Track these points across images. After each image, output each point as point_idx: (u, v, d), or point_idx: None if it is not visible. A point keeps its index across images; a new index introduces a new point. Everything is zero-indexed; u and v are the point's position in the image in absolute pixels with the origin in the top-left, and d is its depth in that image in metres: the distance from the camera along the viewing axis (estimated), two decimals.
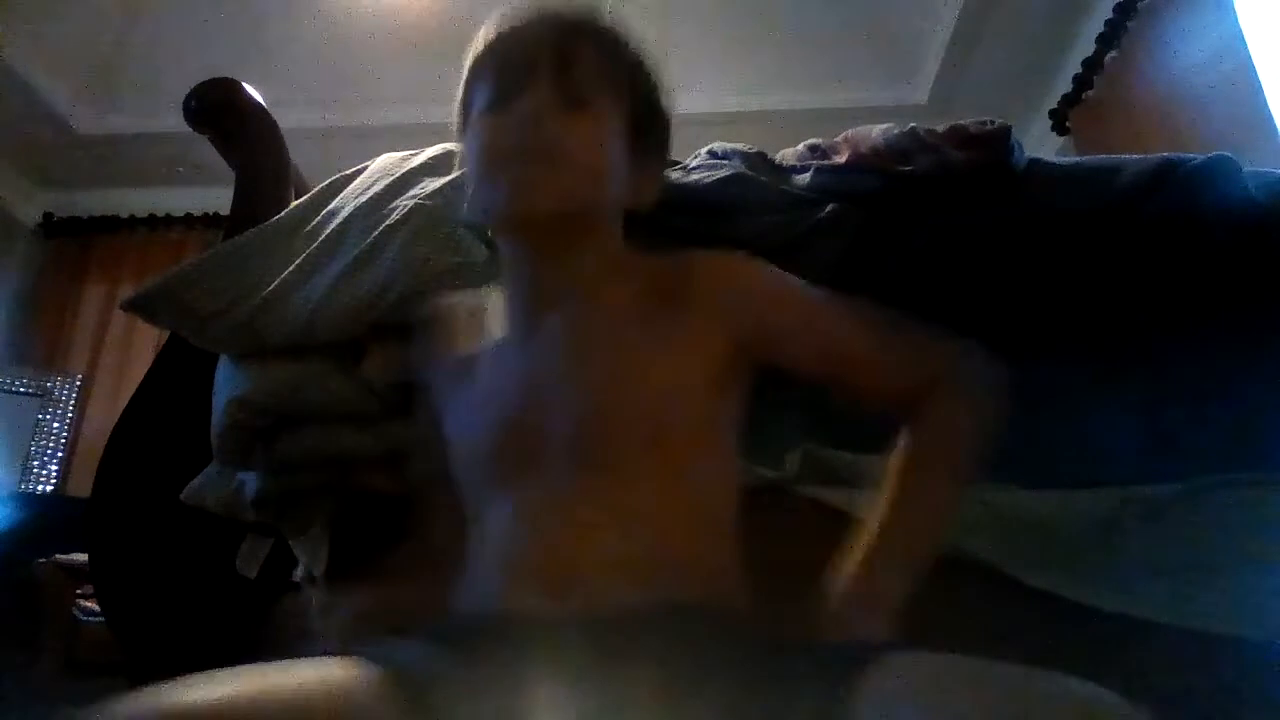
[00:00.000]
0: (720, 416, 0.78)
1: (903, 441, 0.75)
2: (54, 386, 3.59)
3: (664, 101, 0.85)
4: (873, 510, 0.74)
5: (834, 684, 0.54)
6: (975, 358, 0.75)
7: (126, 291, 2.14)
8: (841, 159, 1.16)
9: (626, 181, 0.81)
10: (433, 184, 1.14)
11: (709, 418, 0.77)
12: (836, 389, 0.79)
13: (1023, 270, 1.07)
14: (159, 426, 1.27)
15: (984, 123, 1.12)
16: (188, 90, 1.34)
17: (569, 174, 0.76)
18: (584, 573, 0.68)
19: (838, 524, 0.93)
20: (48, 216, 4.10)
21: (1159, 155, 1.11)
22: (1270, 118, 2.21)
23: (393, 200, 1.13)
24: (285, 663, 0.57)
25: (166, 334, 1.30)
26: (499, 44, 0.81)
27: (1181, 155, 1.10)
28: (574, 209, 0.78)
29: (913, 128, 1.14)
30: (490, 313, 0.86)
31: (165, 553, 1.24)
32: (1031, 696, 0.50)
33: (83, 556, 2.15)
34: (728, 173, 1.15)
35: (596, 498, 0.71)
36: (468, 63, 0.83)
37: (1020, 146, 1.12)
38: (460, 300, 0.92)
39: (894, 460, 0.75)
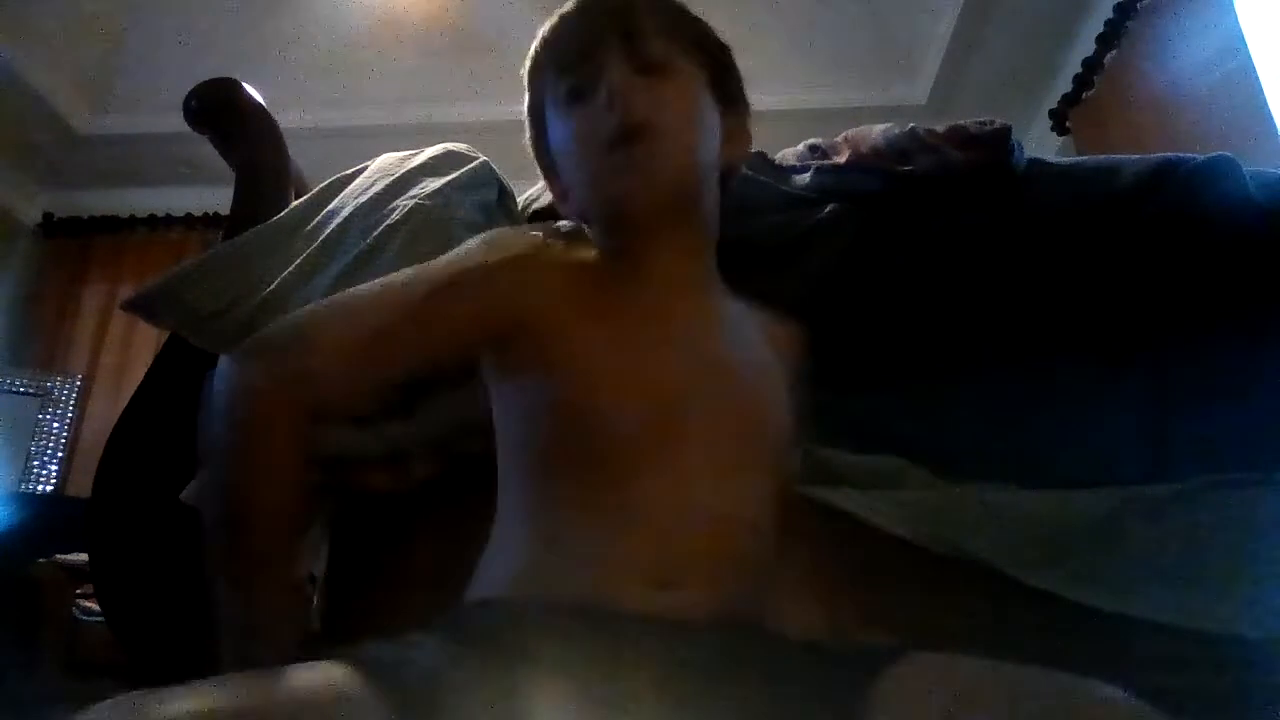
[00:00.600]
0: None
1: None
2: (54, 386, 3.59)
3: (730, 57, 0.87)
4: None
5: (849, 687, 0.54)
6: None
7: (126, 291, 2.14)
8: (841, 159, 1.16)
9: (721, 136, 0.83)
10: (433, 184, 1.14)
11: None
12: None
13: (1023, 270, 1.07)
14: (159, 426, 1.27)
15: (984, 123, 1.12)
16: (188, 90, 1.34)
17: (671, 140, 0.77)
18: (693, 566, 0.67)
19: (838, 524, 0.94)
20: (48, 216, 4.10)
21: (1159, 155, 1.11)
22: (1270, 118, 2.21)
23: (393, 200, 1.13)
24: (274, 669, 0.55)
25: (166, 334, 1.30)
26: (561, 34, 0.81)
27: (1181, 155, 1.10)
28: (684, 173, 0.79)
29: (913, 128, 1.14)
30: (591, 275, 0.81)
31: (165, 553, 1.24)
32: (1052, 700, 0.50)
33: (83, 556, 2.15)
34: None
35: (722, 489, 0.71)
36: (530, 62, 0.84)
37: (1020, 147, 1.12)
38: (553, 248, 0.85)
39: None
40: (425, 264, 0.79)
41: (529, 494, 0.75)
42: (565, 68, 0.80)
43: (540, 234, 0.86)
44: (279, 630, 0.67)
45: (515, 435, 0.78)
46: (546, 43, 0.82)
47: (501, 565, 0.73)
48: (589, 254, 0.83)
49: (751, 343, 0.83)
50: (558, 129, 0.81)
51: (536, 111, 0.85)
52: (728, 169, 0.86)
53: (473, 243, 0.81)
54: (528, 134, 0.87)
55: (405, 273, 0.79)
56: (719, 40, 0.86)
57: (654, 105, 0.76)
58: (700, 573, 0.67)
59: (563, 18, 0.82)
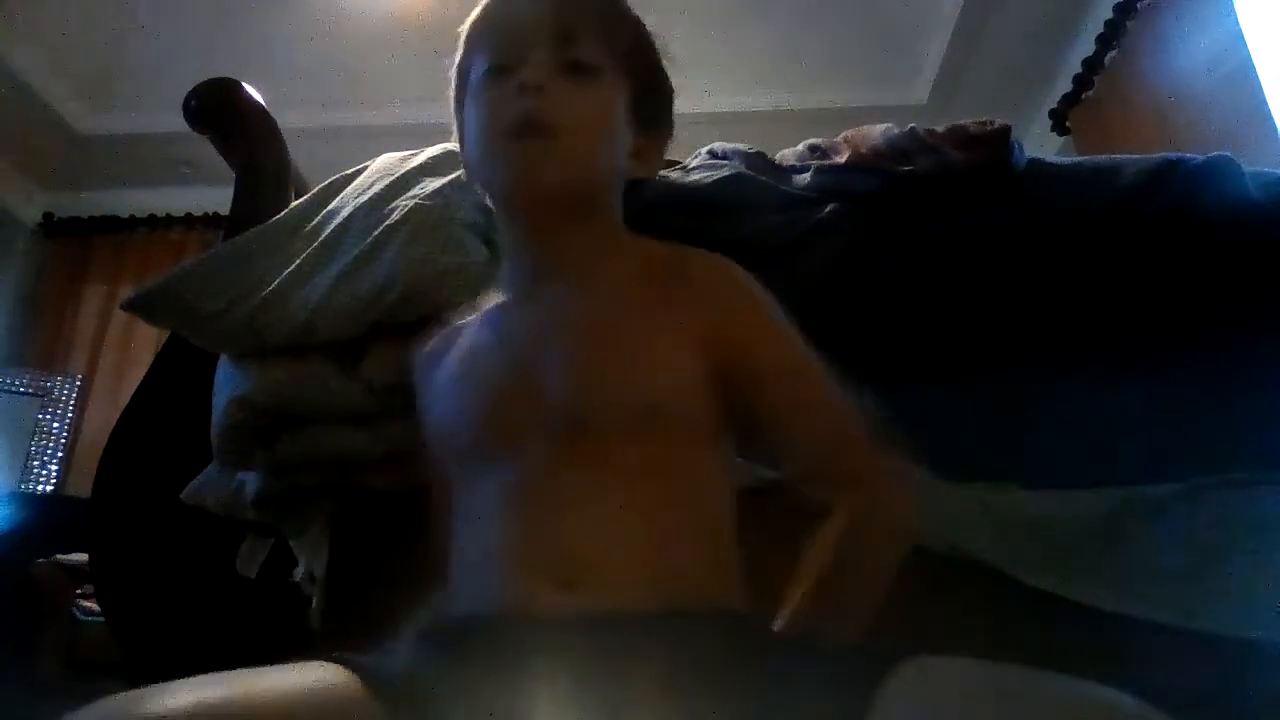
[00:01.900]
0: (716, 419, 0.75)
1: (834, 529, 0.72)
2: (54, 386, 3.59)
3: (665, 70, 0.84)
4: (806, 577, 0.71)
5: (849, 691, 0.54)
6: (905, 475, 0.74)
7: (126, 291, 2.14)
8: (841, 159, 1.16)
9: (629, 151, 0.81)
10: (433, 184, 1.14)
11: (705, 414, 0.74)
12: (768, 435, 0.76)
13: (1023, 270, 1.07)
14: (159, 426, 1.27)
15: (984, 123, 1.12)
16: (188, 90, 1.34)
17: (572, 144, 0.75)
18: (590, 561, 0.66)
19: None
20: (48, 216, 4.10)
21: (1159, 155, 1.11)
22: (1270, 118, 2.21)
23: (393, 200, 1.13)
24: (269, 668, 0.55)
25: (166, 334, 1.30)
26: (498, 11, 0.81)
27: (1181, 155, 1.10)
28: (577, 180, 0.77)
29: (913, 128, 1.14)
30: (486, 302, 0.85)
31: (165, 553, 1.24)
32: (1055, 705, 0.50)
33: (83, 556, 2.15)
34: (728, 173, 1.15)
35: (595, 478, 0.69)
36: (465, 30, 0.82)
37: (1020, 147, 1.12)
38: (459, 312, 0.89)
39: (827, 544, 0.72)
40: None
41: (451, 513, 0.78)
42: (493, 43, 0.79)
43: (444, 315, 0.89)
44: None
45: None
46: (486, 12, 0.82)
47: (449, 584, 0.75)
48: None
49: (628, 319, 0.77)
50: (471, 100, 0.81)
51: (462, 73, 0.84)
52: (635, 179, 0.86)
53: None
54: (451, 92, 0.85)
55: None
56: (656, 58, 0.84)
57: (565, 105, 0.75)
58: (602, 567, 0.66)
59: None
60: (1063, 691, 0.50)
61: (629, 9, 0.83)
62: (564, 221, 0.79)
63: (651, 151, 0.85)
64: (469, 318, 0.85)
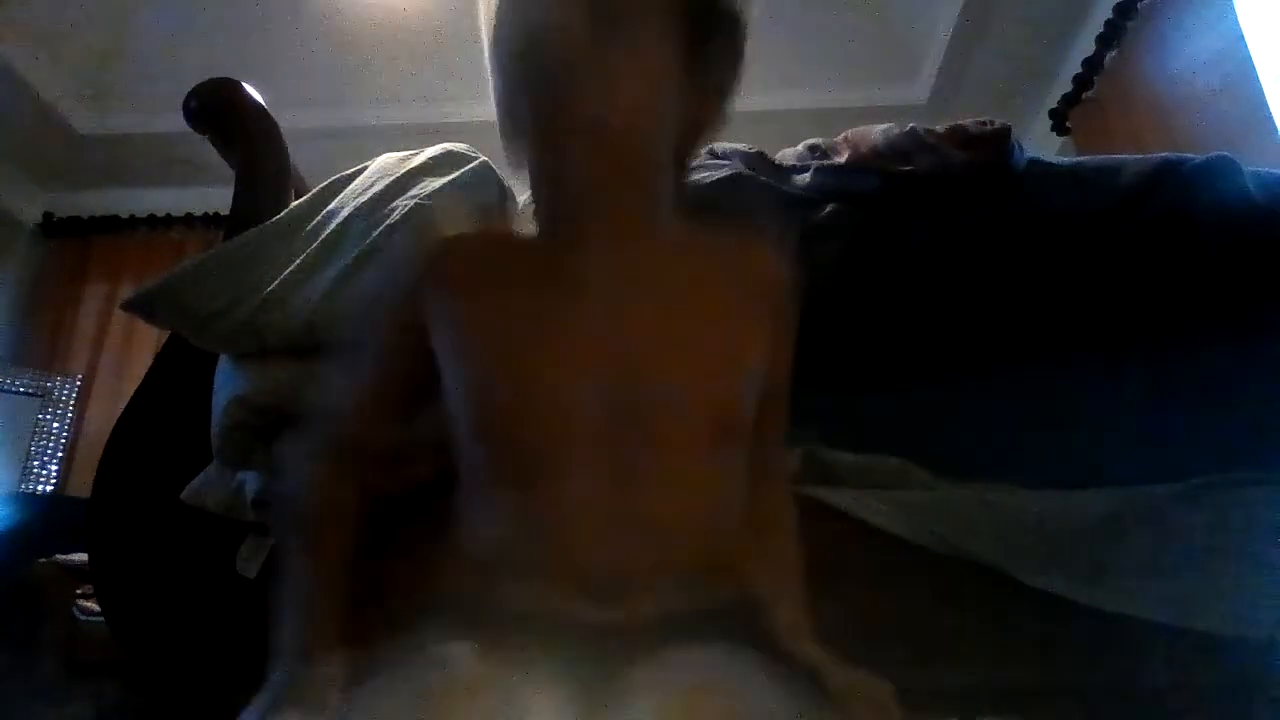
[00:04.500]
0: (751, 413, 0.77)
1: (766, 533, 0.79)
2: (54, 386, 3.59)
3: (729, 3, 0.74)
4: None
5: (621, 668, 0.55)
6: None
7: (126, 291, 2.14)
8: (841, 159, 1.16)
9: (683, 112, 0.73)
10: (433, 184, 1.14)
11: (752, 411, 0.76)
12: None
13: (1022, 270, 1.07)
14: (159, 426, 1.27)
15: (984, 123, 1.12)
16: (188, 90, 1.34)
17: (613, 132, 0.70)
18: (641, 573, 0.67)
19: (837, 524, 0.94)
20: (48, 216, 4.09)
21: (1159, 155, 1.11)
22: (1270, 118, 2.21)
23: (393, 200, 1.13)
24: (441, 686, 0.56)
25: (166, 334, 1.30)
26: None
27: (1181, 155, 1.10)
28: (619, 163, 0.71)
29: (913, 128, 1.14)
30: (520, 255, 0.79)
31: (165, 553, 1.24)
32: None
33: (83, 556, 2.15)
34: (728, 173, 1.15)
35: (662, 486, 0.68)
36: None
37: (1020, 147, 1.12)
38: (478, 236, 0.84)
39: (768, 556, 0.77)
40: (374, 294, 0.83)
41: (471, 482, 0.75)
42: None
43: (461, 227, 0.84)
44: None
45: (456, 420, 0.76)
46: None
47: (463, 555, 0.74)
48: (520, 238, 0.82)
49: (701, 307, 0.74)
50: (497, 71, 0.78)
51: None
52: (695, 143, 0.79)
53: (398, 252, 0.84)
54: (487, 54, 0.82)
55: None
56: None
57: (609, 85, 0.68)
58: (636, 585, 0.66)
59: None
60: None
61: None
62: (613, 201, 0.73)
63: (711, 107, 0.76)
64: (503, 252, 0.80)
